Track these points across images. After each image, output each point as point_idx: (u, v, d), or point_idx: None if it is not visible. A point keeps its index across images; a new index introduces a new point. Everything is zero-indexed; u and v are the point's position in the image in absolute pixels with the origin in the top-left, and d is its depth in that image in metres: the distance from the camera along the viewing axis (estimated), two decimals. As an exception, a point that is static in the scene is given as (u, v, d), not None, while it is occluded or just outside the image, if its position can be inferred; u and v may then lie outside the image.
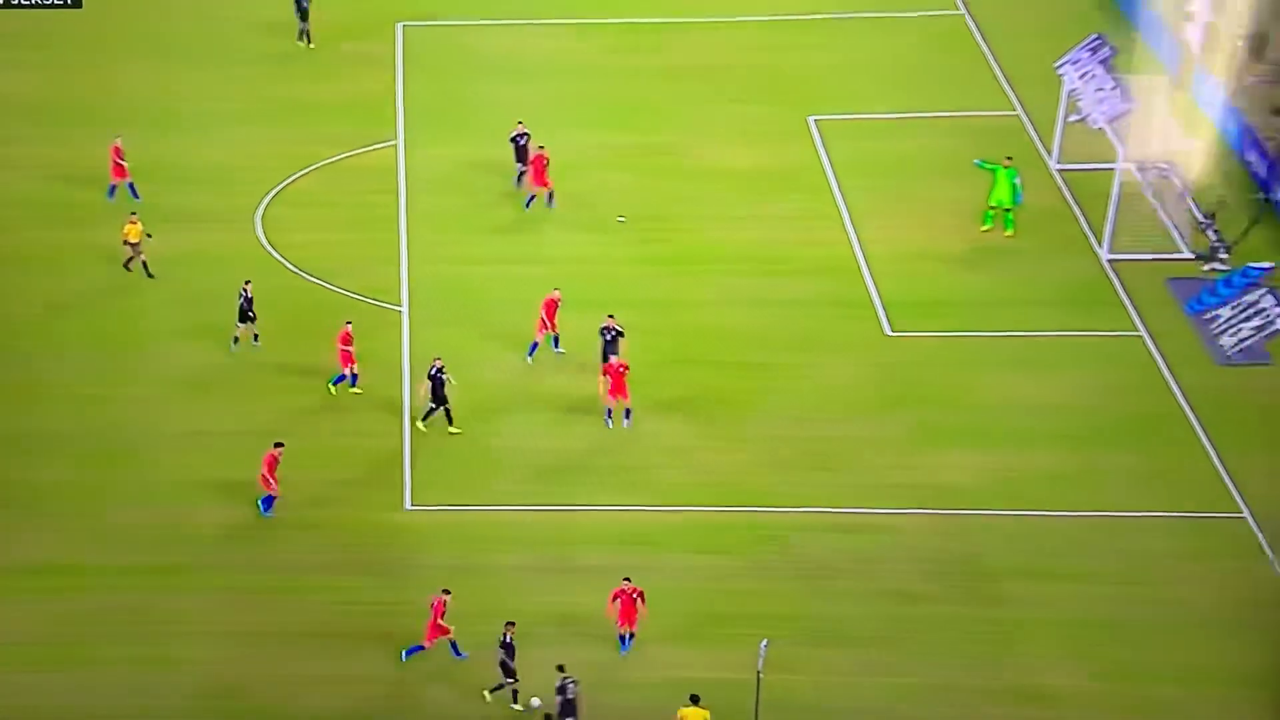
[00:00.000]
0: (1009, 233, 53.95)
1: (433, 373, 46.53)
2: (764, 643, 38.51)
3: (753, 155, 57.78)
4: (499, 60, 63.16)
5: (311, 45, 63.27)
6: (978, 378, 48.52)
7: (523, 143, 55.35)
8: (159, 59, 63.04)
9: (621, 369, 46.44)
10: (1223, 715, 39.36)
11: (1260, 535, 43.40)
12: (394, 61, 62.83)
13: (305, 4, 63.15)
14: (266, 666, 40.72)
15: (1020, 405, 47.51)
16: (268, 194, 55.80)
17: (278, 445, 44.37)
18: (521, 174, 55.49)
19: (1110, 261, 52.76)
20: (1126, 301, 51.27)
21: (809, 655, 40.45)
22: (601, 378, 46.72)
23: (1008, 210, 53.93)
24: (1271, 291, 49.83)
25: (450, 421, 46.80)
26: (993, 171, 53.91)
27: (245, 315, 49.40)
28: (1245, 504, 44.21)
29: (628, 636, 40.89)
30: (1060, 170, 56.84)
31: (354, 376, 48.00)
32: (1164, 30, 63.28)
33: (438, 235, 54.15)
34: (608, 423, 46.86)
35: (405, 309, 51.16)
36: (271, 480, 44.12)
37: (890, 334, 50.16)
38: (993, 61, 62.99)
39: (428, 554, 43.45)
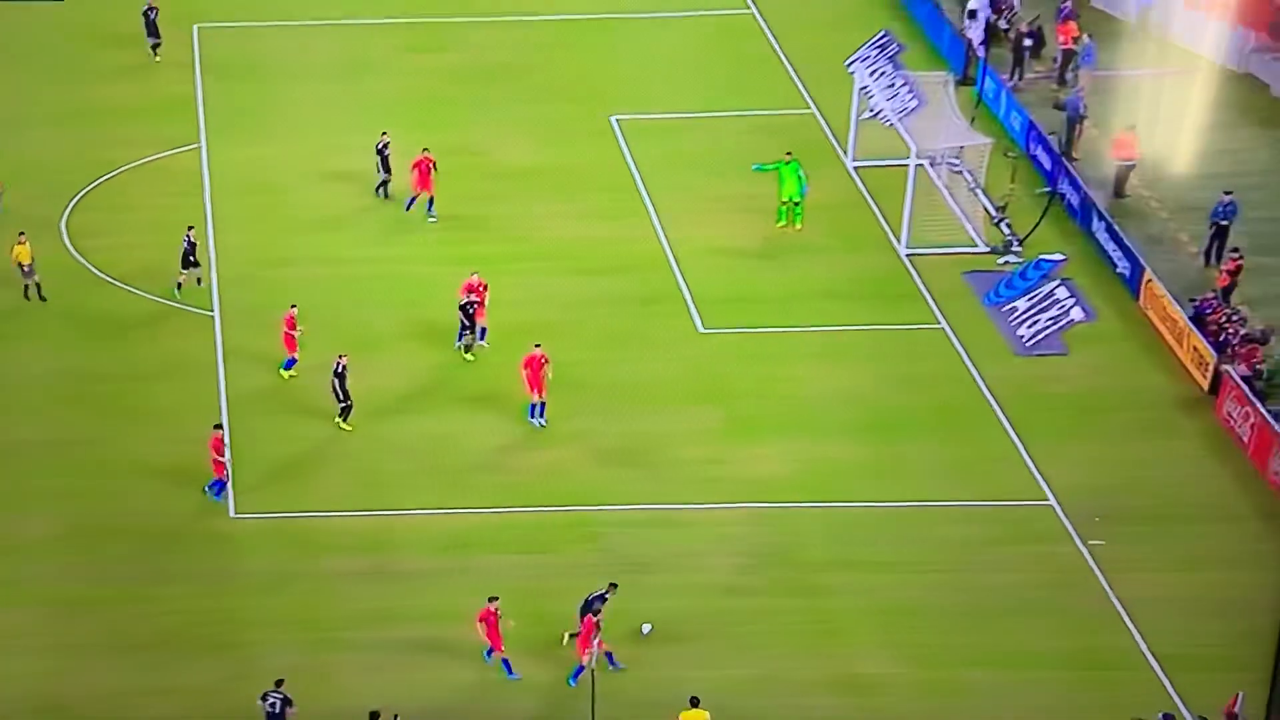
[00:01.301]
0: (798, 226, 54.91)
1: (339, 370, 46.52)
2: (597, 642, 39.27)
3: (557, 154, 58.37)
4: (298, 61, 63.24)
5: (157, 59, 62.62)
6: (787, 371, 49.38)
7: (387, 154, 55.25)
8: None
9: (543, 361, 46.46)
10: (1032, 696, 40.38)
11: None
12: (192, 63, 62.61)
13: (153, 16, 62.46)
14: (92, 679, 40.32)
15: (829, 398, 48.45)
16: (71, 200, 55.32)
17: (217, 427, 44.39)
18: (383, 183, 55.39)
19: (909, 256, 54.06)
20: (926, 294, 52.57)
21: (633, 651, 40.89)
22: (522, 370, 46.74)
23: (796, 204, 55.01)
24: (1064, 283, 51.27)
25: (345, 417, 46.76)
26: (776, 170, 54.87)
27: (187, 261, 50.24)
28: (1050, 491, 45.56)
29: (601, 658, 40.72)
30: (856, 167, 58.06)
31: (291, 360, 48.18)
32: (947, 27, 64.91)
33: (245, 237, 53.98)
34: (540, 421, 47.06)
35: (216, 313, 51.03)
36: (221, 462, 44.15)
37: (702, 330, 50.95)
38: (784, 59, 64.15)
39: (252, 561, 43.34)
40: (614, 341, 50.17)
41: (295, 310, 48.26)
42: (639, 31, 65.86)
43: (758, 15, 66.83)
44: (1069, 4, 64.02)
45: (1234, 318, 49.64)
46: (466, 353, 49.14)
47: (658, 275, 53.04)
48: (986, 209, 55.47)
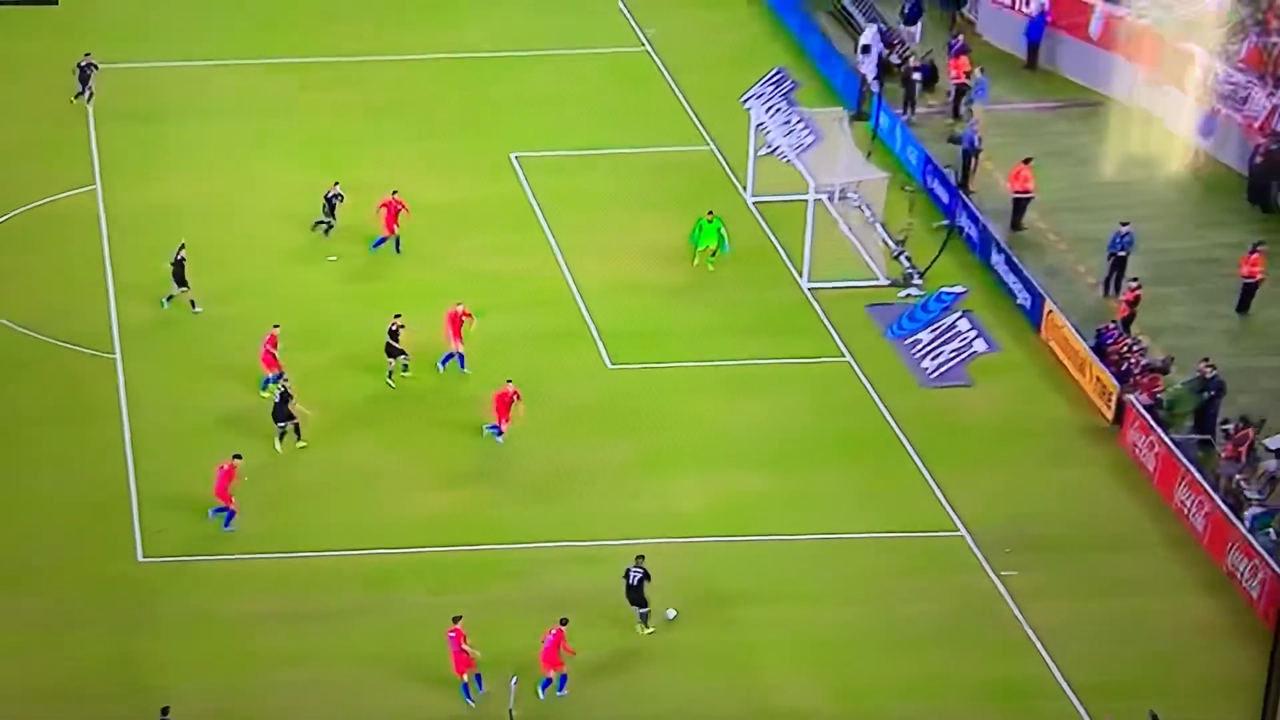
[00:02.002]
0: (711, 268, 54.74)
1: (285, 391, 46.63)
2: (514, 680, 39.12)
3: (459, 191, 58.30)
4: (194, 101, 62.91)
5: (82, 100, 61.97)
6: (697, 406, 49.43)
7: (335, 203, 55.26)
8: None
9: (495, 396, 47.10)
10: (950, 724, 40.83)
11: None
12: (84, 105, 62.13)
13: (89, 72, 61.79)
14: (3, 727, 39.87)
15: (740, 432, 48.52)
16: (-37, 244, 54.93)
17: (236, 457, 44.39)
18: (315, 224, 55.32)
19: (811, 290, 54.33)
20: (830, 328, 52.82)
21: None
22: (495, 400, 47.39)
23: (713, 253, 54.99)
24: (966, 315, 51.70)
25: (298, 435, 46.86)
26: (699, 228, 55.00)
27: (180, 278, 50.85)
28: (960, 521, 45.86)
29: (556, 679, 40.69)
30: (755, 203, 58.32)
31: (270, 378, 48.25)
32: (841, 62, 65.42)
33: (144, 277, 53.28)
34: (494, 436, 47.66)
35: (118, 354, 50.52)
36: (226, 493, 43.99)
37: (611, 366, 51.01)
38: (680, 96, 64.42)
39: (165, 604, 42.77)
40: (525, 377, 49.66)
41: (278, 330, 48.18)
42: (535, 69, 65.94)
43: (652, 53, 67.09)
44: (961, 39, 64.81)
45: (1135, 347, 50.22)
46: (404, 371, 49.43)
47: (564, 311, 53.05)
48: (886, 242, 55.86)
